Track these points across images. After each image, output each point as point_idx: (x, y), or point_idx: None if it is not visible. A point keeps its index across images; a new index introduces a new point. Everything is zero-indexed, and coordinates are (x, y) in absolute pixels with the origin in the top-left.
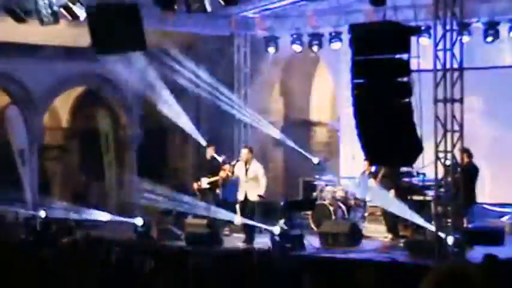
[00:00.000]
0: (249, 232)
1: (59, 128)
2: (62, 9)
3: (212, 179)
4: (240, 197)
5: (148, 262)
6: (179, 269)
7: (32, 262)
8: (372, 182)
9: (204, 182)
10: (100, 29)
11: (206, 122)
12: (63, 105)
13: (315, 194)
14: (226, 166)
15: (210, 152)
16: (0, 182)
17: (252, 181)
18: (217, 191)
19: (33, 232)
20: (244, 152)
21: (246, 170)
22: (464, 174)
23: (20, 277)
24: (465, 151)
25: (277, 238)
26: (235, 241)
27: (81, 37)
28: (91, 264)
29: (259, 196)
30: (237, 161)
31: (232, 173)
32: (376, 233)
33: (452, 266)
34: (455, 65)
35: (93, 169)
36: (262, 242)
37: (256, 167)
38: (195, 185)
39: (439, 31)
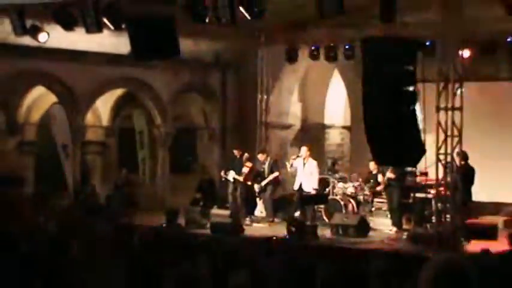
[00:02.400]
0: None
1: (100, 126)
2: (105, 19)
3: (237, 177)
4: (295, 186)
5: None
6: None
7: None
8: (380, 177)
9: (231, 175)
10: (139, 38)
11: (231, 123)
12: (104, 105)
13: (327, 189)
14: (249, 163)
15: (236, 153)
16: (45, 174)
17: (307, 174)
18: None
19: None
20: (304, 150)
21: (304, 165)
22: (461, 175)
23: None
24: (461, 154)
25: (293, 228)
26: (254, 230)
27: (122, 45)
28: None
29: (314, 189)
30: (298, 156)
31: (291, 165)
32: (382, 226)
33: (449, 257)
34: (457, 77)
35: (130, 163)
36: (280, 231)
37: (312, 163)
38: (222, 173)
39: (442, 46)
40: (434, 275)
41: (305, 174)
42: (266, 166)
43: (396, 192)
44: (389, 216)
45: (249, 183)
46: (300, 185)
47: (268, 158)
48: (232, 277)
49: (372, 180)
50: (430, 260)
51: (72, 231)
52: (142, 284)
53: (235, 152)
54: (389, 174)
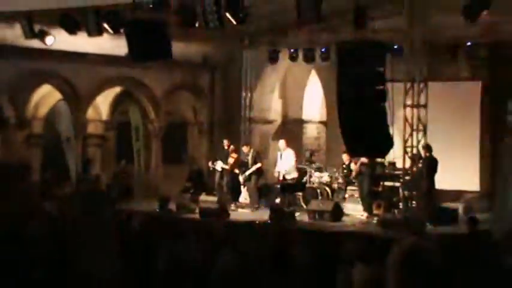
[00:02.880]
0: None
1: (100, 121)
2: (105, 24)
3: (225, 166)
4: (280, 177)
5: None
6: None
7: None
8: (353, 165)
9: (219, 165)
10: (135, 41)
11: (218, 118)
12: (103, 102)
13: (305, 178)
14: (234, 154)
15: (225, 144)
16: (50, 163)
17: (286, 163)
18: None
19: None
20: (282, 142)
21: (281, 156)
22: (426, 165)
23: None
24: (426, 146)
25: (274, 213)
26: (239, 215)
27: (120, 47)
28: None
29: (284, 170)
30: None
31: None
32: (355, 211)
33: (414, 241)
34: (422, 77)
35: (126, 154)
36: (262, 216)
37: (288, 152)
38: (210, 163)
39: (409, 49)
40: (401, 257)
41: (284, 163)
42: (250, 157)
43: (367, 180)
44: (360, 202)
45: (237, 171)
46: (284, 175)
47: (252, 150)
48: (219, 257)
49: (345, 170)
50: (397, 244)
51: (73, 216)
52: (140, 264)
53: (225, 142)
54: (363, 159)
